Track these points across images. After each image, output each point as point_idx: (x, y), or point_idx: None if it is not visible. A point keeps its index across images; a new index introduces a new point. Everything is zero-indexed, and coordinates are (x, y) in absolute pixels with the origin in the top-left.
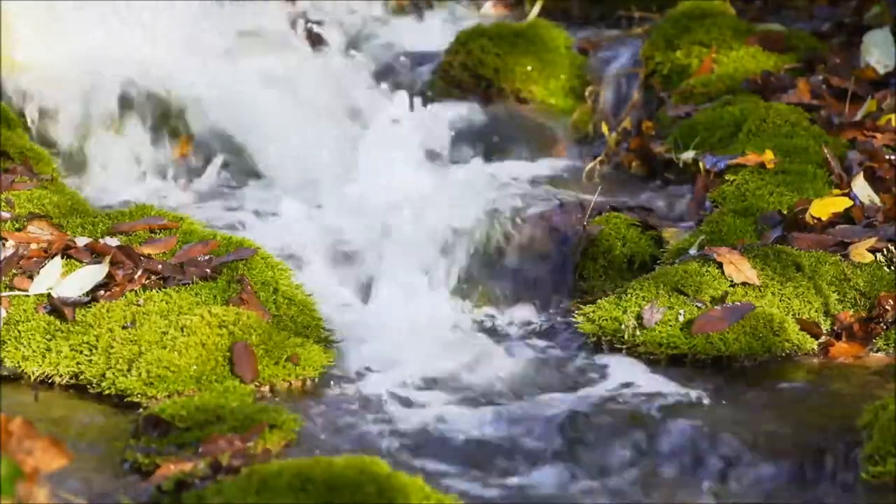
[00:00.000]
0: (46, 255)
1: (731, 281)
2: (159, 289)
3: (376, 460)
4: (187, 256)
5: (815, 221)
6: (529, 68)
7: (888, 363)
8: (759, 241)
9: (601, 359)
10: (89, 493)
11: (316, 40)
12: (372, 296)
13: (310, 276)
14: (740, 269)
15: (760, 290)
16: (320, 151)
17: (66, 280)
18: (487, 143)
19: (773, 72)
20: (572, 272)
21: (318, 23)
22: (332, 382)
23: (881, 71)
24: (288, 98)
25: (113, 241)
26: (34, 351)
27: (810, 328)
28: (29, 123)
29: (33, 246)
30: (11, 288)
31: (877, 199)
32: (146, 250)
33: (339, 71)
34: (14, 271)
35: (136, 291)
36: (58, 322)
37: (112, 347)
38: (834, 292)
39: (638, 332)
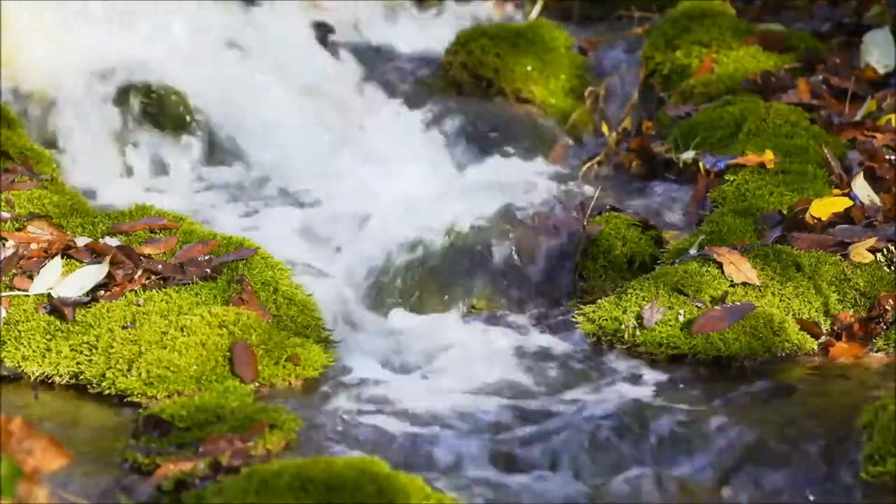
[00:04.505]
0: (46, 255)
1: (731, 281)
2: (159, 289)
3: (376, 460)
4: (187, 256)
5: (815, 221)
6: (529, 68)
7: (888, 363)
8: (759, 241)
9: (601, 359)
10: (89, 493)
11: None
12: (368, 296)
13: (309, 275)
14: (740, 269)
15: (760, 290)
16: (320, 151)
17: (66, 280)
18: (487, 142)
19: (773, 72)
20: (572, 272)
21: (322, 25)
22: (332, 382)
23: (881, 71)
24: (287, 98)
25: (113, 241)
26: (34, 351)
27: (810, 328)
28: (29, 123)
29: (33, 246)
30: (11, 288)
31: (877, 199)
32: (146, 250)
33: (338, 70)
34: (14, 271)
35: (136, 291)
36: (58, 322)
37: (112, 347)
38: (834, 292)
39: (638, 332)
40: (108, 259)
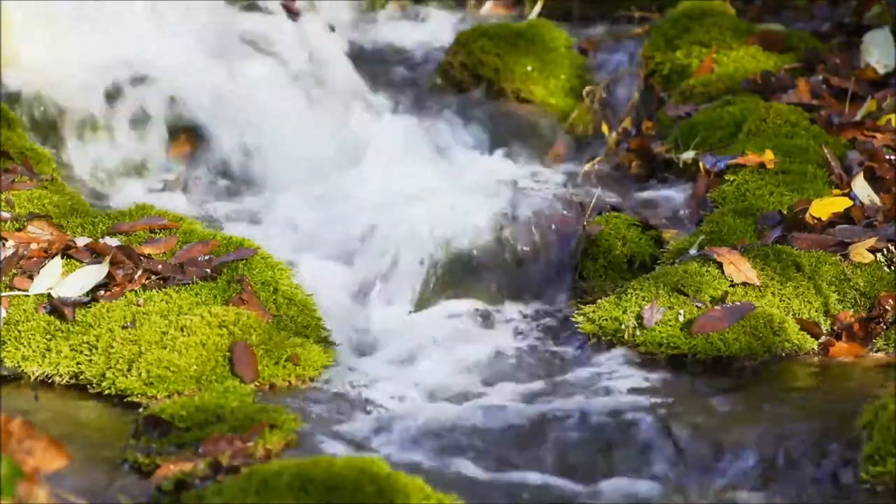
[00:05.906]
0: (46, 255)
1: (731, 281)
2: (159, 289)
3: (376, 460)
4: (187, 256)
5: (815, 221)
6: (529, 68)
7: (888, 363)
8: (759, 241)
9: (601, 359)
10: (90, 493)
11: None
12: (371, 296)
13: (308, 276)
14: (740, 269)
15: (760, 290)
16: (320, 152)
17: (66, 280)
18: (487, 142)
19: (773, 72)
20: (572, 272)
21: (321, 24)
22: (332, 382)
23: (881, 71)
24: (288, 98)
25: (113, 241)
26: (34, 351)
27: (810, 328)
28: (29, 123)
29: (33, 246)
30: (11, 288)
31: (877, 199)
32: (146, 250)
33: (338, 70)
34: (14, 271)
35: (136, 291)
36: (58, 322)
37: (112, 347)
38: (834, 292)
39: (638, 332)
40: (108, 259)
